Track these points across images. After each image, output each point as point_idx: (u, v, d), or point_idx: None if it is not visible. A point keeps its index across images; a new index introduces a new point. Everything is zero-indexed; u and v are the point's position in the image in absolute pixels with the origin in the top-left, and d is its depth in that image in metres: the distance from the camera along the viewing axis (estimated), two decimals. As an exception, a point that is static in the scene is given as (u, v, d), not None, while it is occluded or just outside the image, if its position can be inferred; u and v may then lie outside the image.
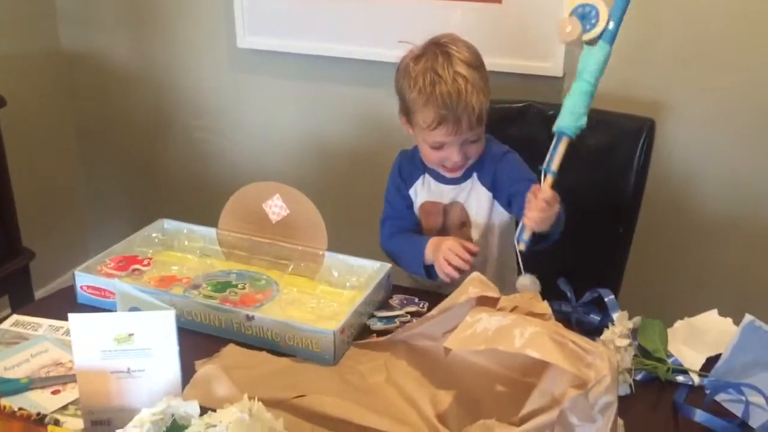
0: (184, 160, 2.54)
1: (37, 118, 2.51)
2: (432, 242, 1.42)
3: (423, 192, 1.54)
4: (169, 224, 1.54)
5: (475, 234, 1.51)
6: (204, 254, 1.50)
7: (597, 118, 1.69)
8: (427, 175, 1.53)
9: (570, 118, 1.27)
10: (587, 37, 1.25)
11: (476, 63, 1.39)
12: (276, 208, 1.46)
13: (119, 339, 1.01)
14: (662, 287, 2.00)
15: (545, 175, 1.28)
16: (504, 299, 1.09)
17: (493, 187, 1.48)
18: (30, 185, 2.42)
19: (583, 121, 1.28)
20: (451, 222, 1.52)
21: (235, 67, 2.35)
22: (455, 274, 1.35)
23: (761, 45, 1.75)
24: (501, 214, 1.50)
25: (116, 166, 2.68)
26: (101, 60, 2.53)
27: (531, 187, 1.30)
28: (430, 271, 1.42)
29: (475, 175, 1.49)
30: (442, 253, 1.37)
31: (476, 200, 1.50)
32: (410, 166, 1.54)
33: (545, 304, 1.08)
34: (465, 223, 1.51)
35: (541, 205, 1.25)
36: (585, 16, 1.24)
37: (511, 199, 1.46)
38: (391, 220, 1.57)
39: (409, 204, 1.55)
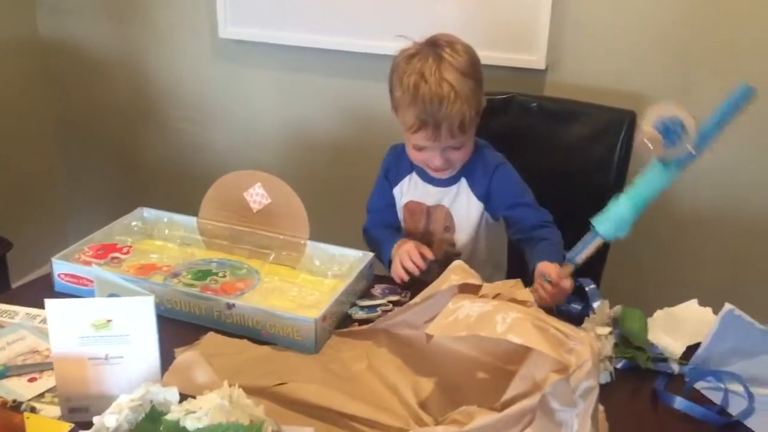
0: (165, 149, 2.52)
1: (14, 106, 2.47)
2: (397, 243, 1.43)
3: (409, 190, 1.53)
4: (149, 213, 1.52)
5: (460, 238, 1.50)
6: (184, 243, 1.48)
7: (579, 110, 1.73)
8: (414, 174, 1.52)
9: (613, 226, 1.23)
10: (664, 154, 1.15)
11: (468, 70, 1.36)
12: (257, 196, 1.45)
13: (97, 325, 0.99)
14: (643, 278, 2.01)
15: (567, 263, 1.25)
16: (486, 286, 1.10)
17: (486, 200, 1.48)
18: (6, 175, 2.39)
19: (626, 231, 1.24)
20: (435, 225, 1.52)
21: (217, 58, 2.33)
22: (405, 277, 1.37)
23: (745, 38, 1.76)
24: (490, 222, 1.50)
25: (96, 155, 2.64)
26: (80, 48, 2.50)
27: (538, 239, 1.38)
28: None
29: (464, 180, 1.48)
30: (399, 255, 1.39)
31: (465, 206, 1.49)
32: (398, 163, 1.53)
33: (527, 291, 1.09)
34: (449, 228, 1.50)
35: (558, 297, 1.25)
36: (668, 132, 1.13)
37: (506, 221, 1.49)
38: (373, 212, 1.58)
39: (391, 203, 1.55)
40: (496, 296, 1.08)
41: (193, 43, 2.34)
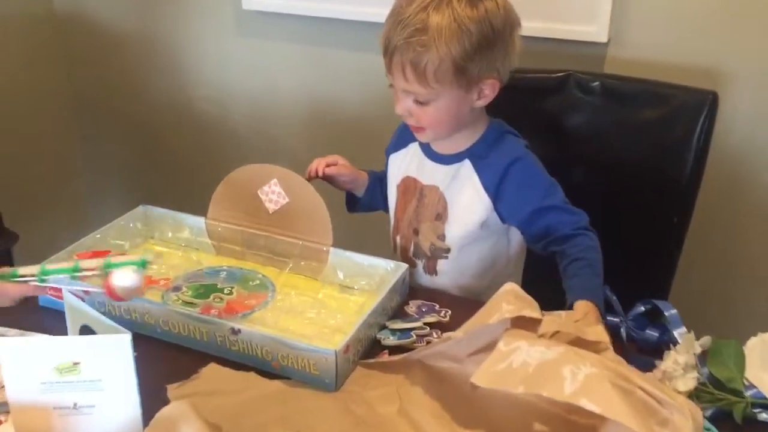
0: (186, 131, 2.36)
1: (28, 86, 2.32)
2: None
3: (408, 163, 1.33)
4: (151, 211, 1.33)
5: (453, 232, 1.26)
6: (190, 247, 1.29)
7: (651, 91, 1.48)
8: (416, 144, 1.31)
9: None
10: None
11: (473, 27, 1.12)
12: (273, 195, 1.25)
13: (62, 369, 0.81)
14: (724, 291, 1.76)
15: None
16: (548, 320, 0.87)
17: (496, 197, 1.23)
18: (19, 160, 2.24)
19: None
20: (425, 210, 1.29)
21: (239, 31, 2.15)
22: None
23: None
24: (496, 221, 1.26)
25: (113, 137, 2.50)
26: (97, 24, 2.34)
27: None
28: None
29: (467, 162, 1.25)
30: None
31: (466, 194, 1.25)
32: (405, 129, 1.32)
33: (601, 329, 0.86)
34: (440, 216, 1.27)
35: None
36: None
37: (529, 233, 1.25)
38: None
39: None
40: (554, 334, 0.86)
41: (215, 16, 2.16)
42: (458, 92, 1.16)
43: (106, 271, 0.97)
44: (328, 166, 1.37)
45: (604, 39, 1.68)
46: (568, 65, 1.55)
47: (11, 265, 1.95)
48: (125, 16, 2.29)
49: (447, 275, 1.28)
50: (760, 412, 0.95)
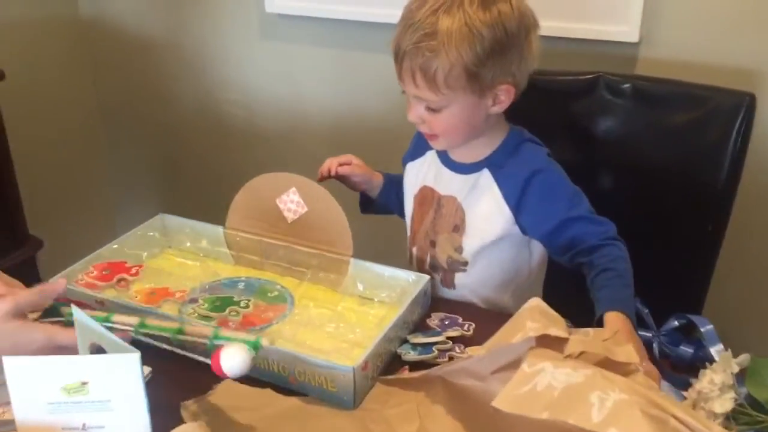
0: (211, 136, 2.35)
1: (54, 92, 2.33)
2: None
3: (426, 173, 1.28)
4: (169, 221, 1.31)
5: (470, 245, 1.22)
6: (208, 257, 1.27)
7: (684, 93, 1.43)
8: (435, 153, 1.27)
9: None
10: None
11: (485, 31, 1.07)
12: (292, 204, 1.22)
13: (70, 389, 0.78)
14: (763, 305, 1.69)
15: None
16: (574, 339, 0.83)
17: (517, 210, 1.19)
18: (45, 165, 2.24)
19: None
20: (442, 220, 1.24)
21: (263, 35, 2.13)
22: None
23: None
24: (517, 233, 1.21)
25: (139, 143, 2.50)
26: (122, 29, 2.34)
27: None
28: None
29: (486, 171, 1.20)
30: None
31: (485, 205, 1.20)
32: (422, 138, 1.26)
33: (630, 348, 0.81)
34: (458, 227, 1.23)
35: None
36: None
37: (553, 246, 1.20)
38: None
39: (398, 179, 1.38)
40: (580, 354, 0.81)
41: (238, 19, 2.15)
42: (471, 98, 1.12)
43: (213, 342, 0.91)
44: (341, 165, 1.35)
45: (635, 39, 1.63)
46: (598, 66, 1.50)
47: (36, 272, 1.96)
48: (149, 20, 2.29)
49: (465, 289, 1.24)
50: (802, 436, 0.90)
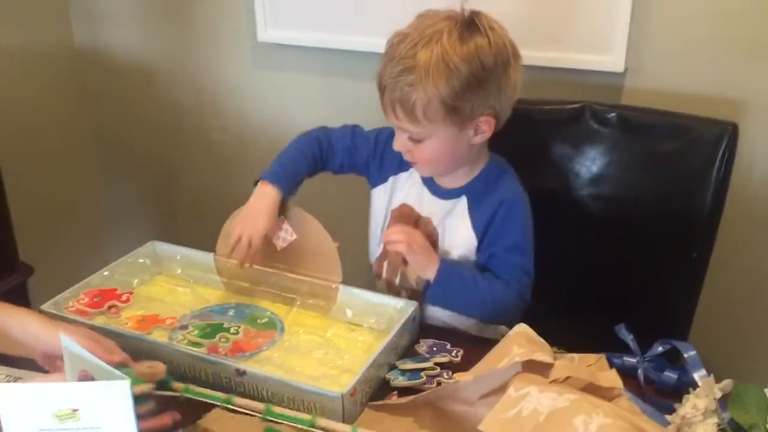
0: (203, 163, 2.36)
1: (48, 120, 2.34)
2: (264, 191, 1.26)
3: (405, 190, 1.30)
4: (160, 248, 1.33)
5: None
6: (198, 284, 1.28)
7: (669, 122, 1.45)
8: (417, 173, 1.28)
9: None
10: None
11: (463, 66, 1.10)
12: (282, 232, 1.24)
13: (61, 416, 0.79)
14: (747, 332, 1.71)
15: None
16: (559, 365, 0.84)
17: (481, 240, 1.23)
18: (37, 193, 2.25)
19: None
20: None
21: (256, 63, 2.16)
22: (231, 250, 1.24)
23: None
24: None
25: (132, 170, 2.51)
26: (116, 58, 2.36)
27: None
28: None
29: (464, 199, 1.24)
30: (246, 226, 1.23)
31: (456, 232, 1.24)
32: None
33: (614, 374, 0.83)
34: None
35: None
36: None
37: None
38: (336, 136, 1.40)
39: (350, 152, 1.36)
40: (566, 379, 0.83)
41: (231, 48, 2.18)
42: (452, 130, 1.14)
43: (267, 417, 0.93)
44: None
45: (620, 69, 1.65)
46: (585, 95, 1.53)
47: (27, 298, 1.96)
48: (143, 50, 2.31)
49: (431, 307, 1.25)
50: (784, 460, 0.91)
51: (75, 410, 0.79)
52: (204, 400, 0.95)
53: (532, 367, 0.87)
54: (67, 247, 2.38)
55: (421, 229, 1.25)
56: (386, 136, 1.31)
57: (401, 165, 1.30)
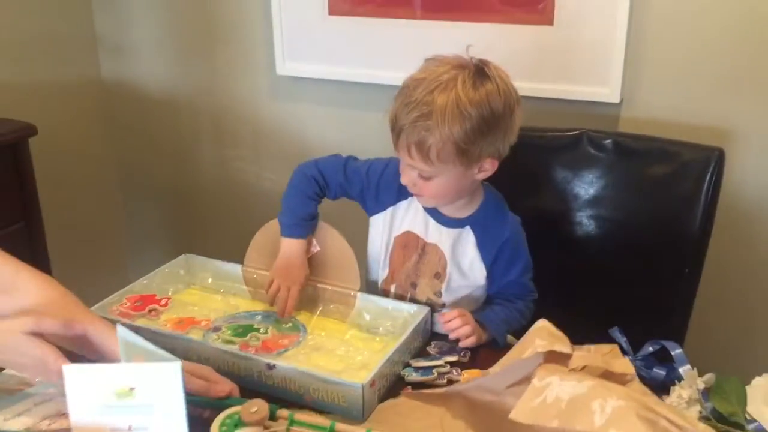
0: (223, 191, 2.48)
1: (76, 148, 2.47)
2: (290, 244, 1.36)
3: (406, 218, 1.37)
4: (192, 260, 1.44)
5: (449, 290, 1.35)
6: (228, 293, 1.39)
7: (660, 148, 1.57)
8: (417, 201, 1.36)
9: None
10: None
11: (474, 111, 1.18)
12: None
13: (120, 393, 0.90)
14: (735, 338, 1.82)
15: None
16: (577, 356, 0.95)
17: (490, 268, 1.34)
18: (63, 218, 2.37)
19: None
20: (426, 266, 1.36)
21: (273, 95, 2.27)
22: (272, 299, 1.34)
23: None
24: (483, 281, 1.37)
25: (153, 195, 2.62)
26: (140, 89, 2.49)
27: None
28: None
29: (469, 229, 1.34)
30: (279, 276, 1.33)
31: (467, 260, 1.34)
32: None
33: (627, 361, 0.94)
34: (439, 274, 1.35)
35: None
36: None
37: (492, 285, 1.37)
38: (329, 169, 1.42)
39: (342, 187, 1.41)
40: (584, 368, 0.94)
41: (251, 81, 2.30)
42: (460, 169, 1.23)
43: None
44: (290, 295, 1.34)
45: (616, 100, 1.78)
46: (584, 124, 1.64)
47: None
48: (166, 82, 2.43)
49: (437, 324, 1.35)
50: (761, 444, 1.01)
51: (132, 389, 0.90)
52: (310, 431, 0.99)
53: (552, 358, 0.98)
54: (92, 267, 2.49)
55: (428, 257, 1.35)
56: (380, 167, 1.39)
57: (400, 195, 1.36)
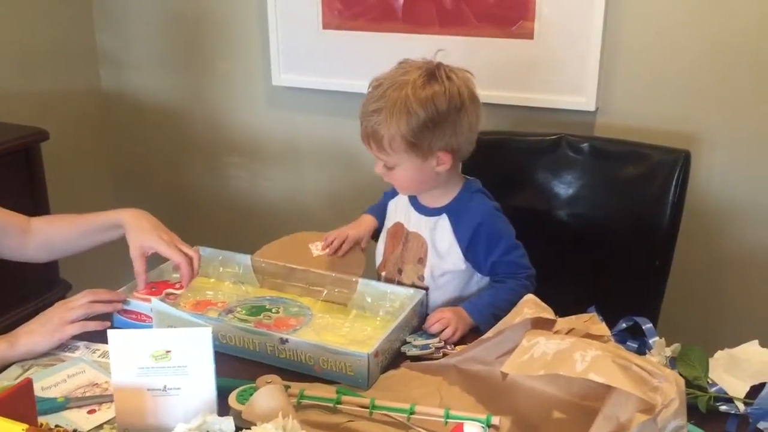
0: (220, 198, 2.57)
1: (76, 154, 2.56)
2: (367, 217, 1.64)
3: (397, 210, 1.53)
4: (204, 251, 1.55)
5: (430, 274, 1.47)
6: (238, 281, 1.50)
7: (632, 150, 1.71)
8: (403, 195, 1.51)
9: None
10: None
11: (423, 108, 1.31)
12: (319, 250, 1.53)
13: (156, 356, 1.01)
14: (701, 320, 1.96)
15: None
16: (560, 321, 1.09)
17: (467, 250, 1.45)
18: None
19: None
20: (409, 252, 1.49)
21: (269, 104, 2.37)
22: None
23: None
24: (467, 266, 1.47)
25: (151, 203, 2.69)
26: (140, 100, 2.58)
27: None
28: None
29: (445, 216, 1.46)
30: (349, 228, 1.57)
31: (444, 245, 1.46)
32: None
33: (603, 325, 1.07)
34: (422, 260, 1.48)
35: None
36: None
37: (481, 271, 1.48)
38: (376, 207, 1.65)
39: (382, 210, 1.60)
40: (570, 331, 1.07)
41: (247, 91, 2.39)
42: (416, 161, 1.36)
43: (447, 420, 1.06)
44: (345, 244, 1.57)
45: (592, 108, 1.92)
46: (562, 129, 1.78)
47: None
48: (164, 92, 2.52)
49: (434, 300, 1.47)
50: (721, 405, 1.14)
51: (168, 351, 1.01)
52: (317, 402, 1.12)
53: (538, 325, 1.10)
54: (99, 266, 2.58)
55: (410, 244, 1.49)
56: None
57: (395, 192, 1.53)
